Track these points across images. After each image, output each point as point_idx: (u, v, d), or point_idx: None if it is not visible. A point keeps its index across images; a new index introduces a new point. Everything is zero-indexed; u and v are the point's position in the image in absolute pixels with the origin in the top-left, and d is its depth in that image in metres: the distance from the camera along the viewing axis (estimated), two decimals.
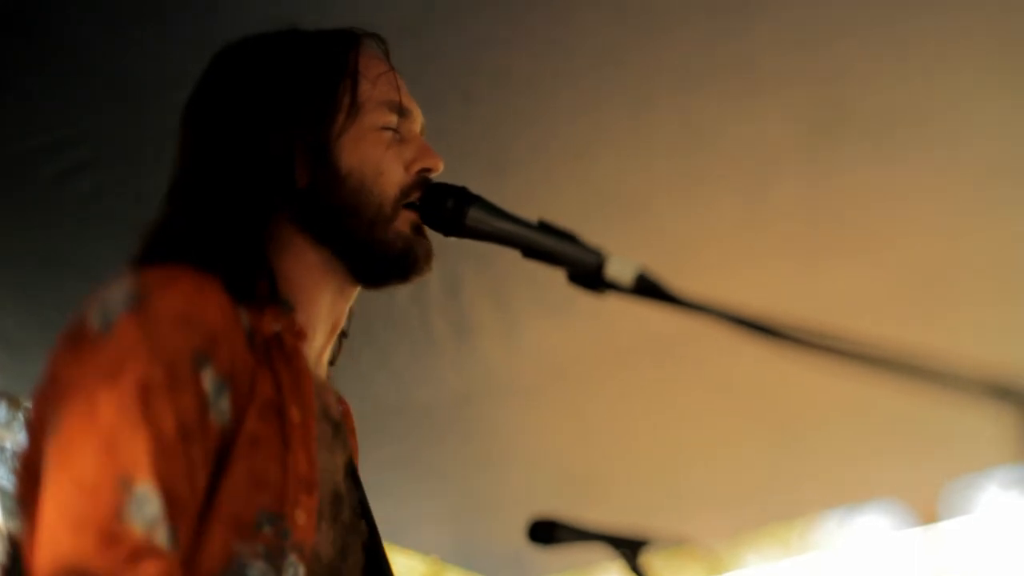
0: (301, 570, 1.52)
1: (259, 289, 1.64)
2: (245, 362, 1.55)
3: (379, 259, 1.74)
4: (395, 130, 1.77)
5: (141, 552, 1.37)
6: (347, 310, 1.81)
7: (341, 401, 1.87)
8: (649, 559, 2.59)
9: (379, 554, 1.81)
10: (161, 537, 1.39)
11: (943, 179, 3.54)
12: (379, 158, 1.73)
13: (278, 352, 1.60)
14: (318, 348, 1.76)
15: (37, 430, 1.50)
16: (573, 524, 2.74)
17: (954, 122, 3.36)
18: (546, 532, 2.75)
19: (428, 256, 1.76)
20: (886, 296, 3.97)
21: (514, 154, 3.36)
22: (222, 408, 1.50)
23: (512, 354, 4.13)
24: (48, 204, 3.37)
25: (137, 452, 1.41)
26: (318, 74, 1.74)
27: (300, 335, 1.66)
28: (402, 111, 1.78)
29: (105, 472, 1.39)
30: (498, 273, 3.72)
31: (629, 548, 2.61)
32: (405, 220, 1.73)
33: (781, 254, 3.83)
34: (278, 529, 1.50)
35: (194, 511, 1.46)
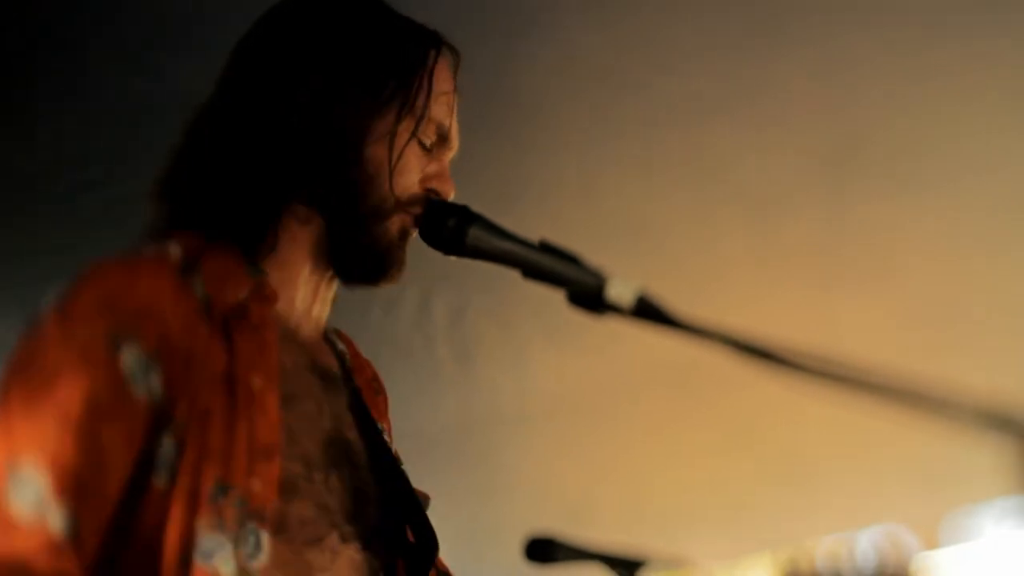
0: (263, 535, 1.50)
1: (241, 242, 1.65)
2: (188, 337, 1.54)
3: (359, 252, 1.73)
4: (428, 149, 1.77)
5: (19, 528, 1.37)
6: (330, 294, 1.80)
7: (353, 355, 1.87)
8: None
9: (404, 487, 1.79)
10: (51, 515, 1.39)
11: (955, 210, 3.55)
12: (403, 162, 1.72)
13: (239, 322, 1.59)
14: (301, 308, 1.74)
15: None
16: (570, 543, 2.72)
17: (966, 155, 3.37)
18: (543, 550, 2.73)
19: (401, 266, 1.76)
20: (895, 326, 3.97)
21: (525, 182, 3.37)
22: (152, 384, 1.50)
23: (515, 383, 4.13)
24: (58, 222, 3.38)
25: (28, 435, 1.41)
26: (390, 55, 1.74)
27: (270, 297, 1.66)
28: (444, 137, 1.79)
29: None
30: (502, 302, 3.72)
31: (626, 568, 2.60)
32: (397, 223, 1.73)
33: (792, 284, 3.84)
34: (232, 499, 1.49)
35: (109, 490, 1.46)
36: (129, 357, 1.49)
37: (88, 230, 3.41)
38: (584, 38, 3.00)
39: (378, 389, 1.92)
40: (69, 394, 1.45)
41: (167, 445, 1.50)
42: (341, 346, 1.86)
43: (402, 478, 1.80)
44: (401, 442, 1.87)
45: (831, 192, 3.49)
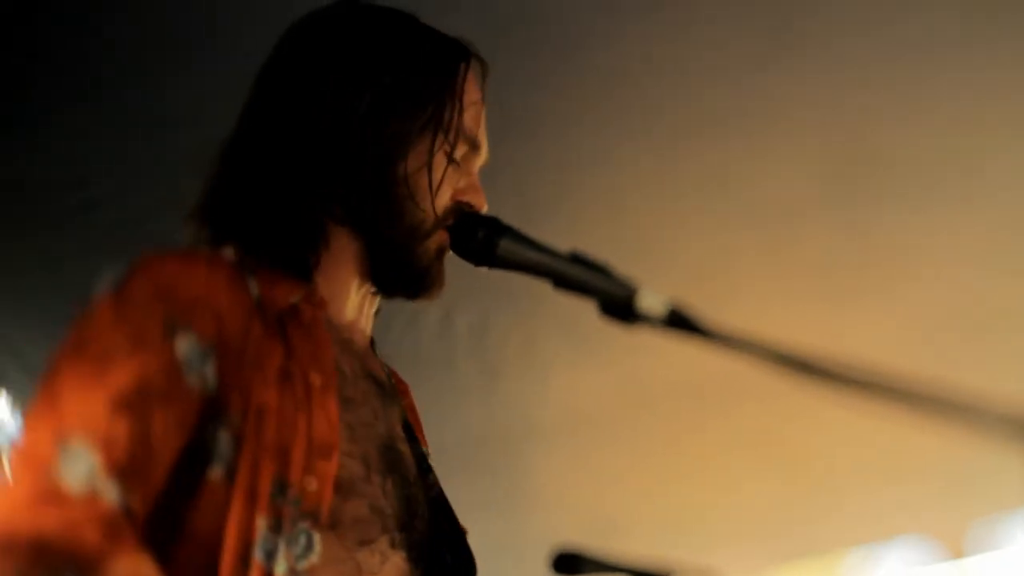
0: (316, 536, 1.51)
1: (286, 260, 1.66)
2: (243, 332, 1.54)
3: (401, 268, 1.74)
4: (459, 162, 1.77)
5: (72, 500, 1.36)
6: (373, 309, 1.81)
7: (395, 376, 1.88)
8: None
9: (447, 508, 1.80)
10: (104, 489, 1.38)
11: (971, 221, 3.54)
12: (437, 177, 1.72)
13: (294, 322, 1.60)
14: (351, 319, 1.76)
15: None
16: (597, 557, 2.71)
17: (981, 167, 3.36)
18: (570, 564, 2.72)
19: (442, 283, 1.77)
20: (912, 339, 3.96)
21: (542, 197, 3.37)
22: (206, 374, 1.50)
23: (538, 396, 4.12)
24: (71, 236, 3.40)
25: (79, 413, 1.41)
26: (426, 77, 1.74)
27: (320, 304, 1.66)
28: (474, 146, 1.80)
29: (45, 433, 1.40)
30: (525, 316, 3.73)
31: None
32: (436, 241, 1.74)
33: (807, 296, 3.83)
34: (288, 497, 1.49)
35: (155, 475, 1.45)
36: (184, 344, 1.49)
37: (100, 243, 3.43)
38: (600, 53, 3.01)
39: (417, 415, 1.93)
40: (122, 375, 1.44)
41: (224, 439, 1.50)
42: (386, 364, 1.87)
43: (447, 503, 1.81)
44: None
45: (847, 205, 3.49)
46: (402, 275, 1.75)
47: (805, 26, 2.98)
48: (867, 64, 3.06)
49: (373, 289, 1.78)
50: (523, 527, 4.72)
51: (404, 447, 1.75)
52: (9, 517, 1.34)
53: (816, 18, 2.99)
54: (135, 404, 1.44)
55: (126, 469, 1.41)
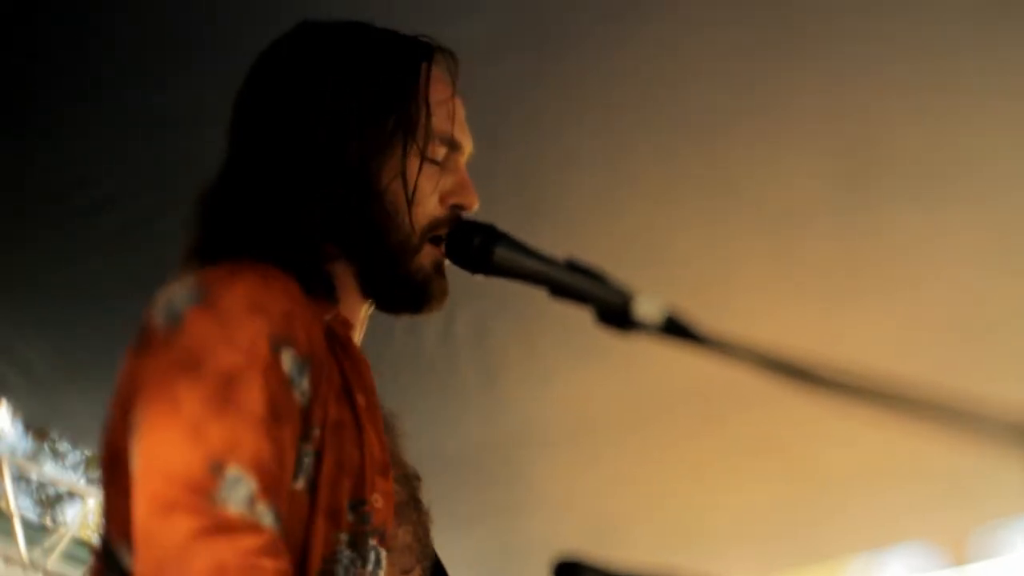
0: (383, 554, 1.52)
1: (316, 283, 1.65)
2: (322, 346, 1.55)
3: (397, 287, 1.74)
4: (439, 163, 1.76)
5: (241, 528, 1.35)
6: (367, 319, 1.81)
7: None
8: None
9: (428, 535, 1.80)
10: (262, 514, 1.37)
11: (975, 222, 3.52)
12: (419, 192, 1.71)
13: (335, 341, 1.61)
14: (357, 338, 1.76)
15: (119, 436, 1.49)
16: (598, 564, 2.70)
17: (985, 167, 3.34)
18: (572, 572, 2.72)
19: (443, 295, 1.77)
20: (916, 340, 3.95)
21: (541, 199, 3.37)
22: (303, 388, 1.50)
23: (539, 402, 4.12)
24: (74, 239, 3.40)
25: (225, 436, 1.39)
26: (385, 86, 1.73)
27: (348, 325, 1.68)
28: (452, 145, 1.78)
29: (195, 459, 1.37)
30: (526, 322, 3.72)
31: None
32: (429, 255, 1.74)
33: (809, 299, 3.82)
34: (360, 515, 1.51)
35: (286, 490, 1.45)
36: (288, 358, 1.49)
37: (102, 247, 3.43)
38: (600, 54, 3.00)
39: None
40: (253, 395, 1.43)
41: (305, 451, 1.50)
42: None
43: (428, 529, 1.82)
44: (425, 462, 1.87)
45: (849, 205, 3.48)
46: (399, 291, 1.75)
47: (809, 28, 2.97)
48: (870, 67, 3.05)
49: (373, 307, 1.78)
50: (525, 533, 4.71)
51: (404, 473, 1.75)
52: (183, 553, 1.33)
53: (820, 20, 2.98)
54: (271, 424, 1.43)
55: (274, 490, 1.41)
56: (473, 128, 1.84)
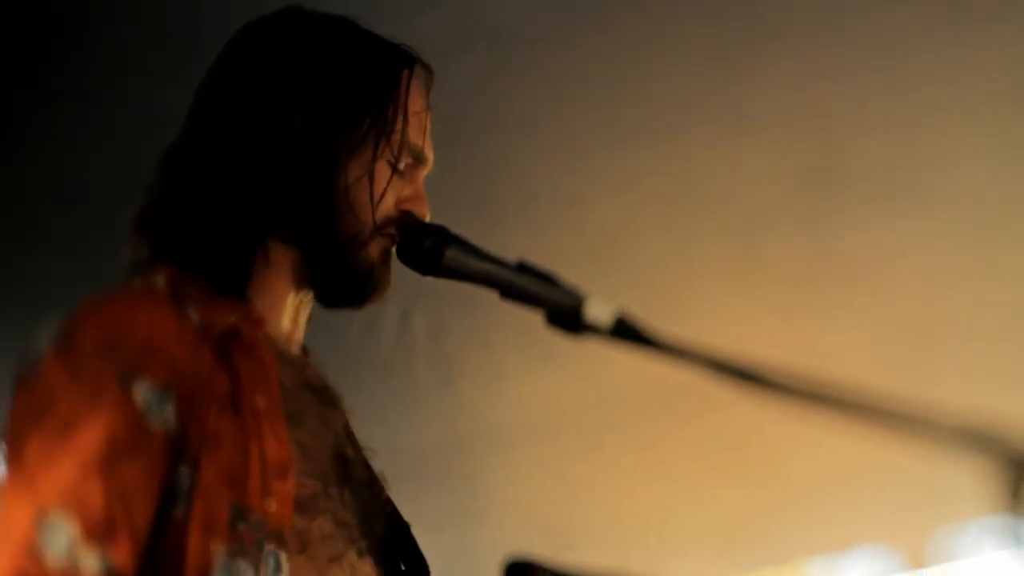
0: (282, 556, 1.51)
1: (229, 282, 1.66)
2: (194, 364, 1.54)
3: (341, 277, 1.75)
4: (402, 172, 1.77)
5: None
6: (306, 316, 1.81)
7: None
8: None
9: (395, 511, 1.82)
10: (84, 561, 1.38)
11: (937, 229, 3.54)
12: (379, 188, 1.73)
13: (235, 344, 1.60)
14: (287, 330, 1.76)
15: None
16: (551, 565, 2.69)
17: (949, 174, 3.36)
18: (522, 573, 2.70)
19: (385, 287, 1.78)
20: (875, 346, 3.96)
21: (502, 199, 3.37)
22: (167, 415, 1.50)
23: (497, 403, 4.11)
24: (72, 237, 3.39)
25: (51, 483, 1.41)
26: (366, 86, 1.74)
27: (258, 322, 1.66)
28: (419, 158, 1.80)
29: (25, 513, 1.39)
30: (484, 323, 3.72)
31: None
32: (377, 246, 1.74)
33: (771, 302, 3.83)
34: (250, 523, 1.49)
35: (138, 523, 1.45)
36: (141, 391, 1.49)
37: (99, 248, 3.41)
38: (561, 51, 3.00)
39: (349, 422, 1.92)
40: (87, 437, 1.44)
41: (183, 474, 1.50)
42: (321, 371, 1.86)
43: (394, 506, 1.83)
44: (380, 462, 1.87)
45: (811, 209, 3.49)
46: (342, 283, 1.76)
47: (770, 22, 2.98)
48: (833, 72, 3.06)
49: (310, 298, 1.78)
50: (480, 534, 4.70)
51: (352, 453, 1.75)
52: None
53: (784, 24, 2.99)
54: (105, 463, 1.44)
55: (105, 531, 1.42)
56: (433, 128, 1.84)
